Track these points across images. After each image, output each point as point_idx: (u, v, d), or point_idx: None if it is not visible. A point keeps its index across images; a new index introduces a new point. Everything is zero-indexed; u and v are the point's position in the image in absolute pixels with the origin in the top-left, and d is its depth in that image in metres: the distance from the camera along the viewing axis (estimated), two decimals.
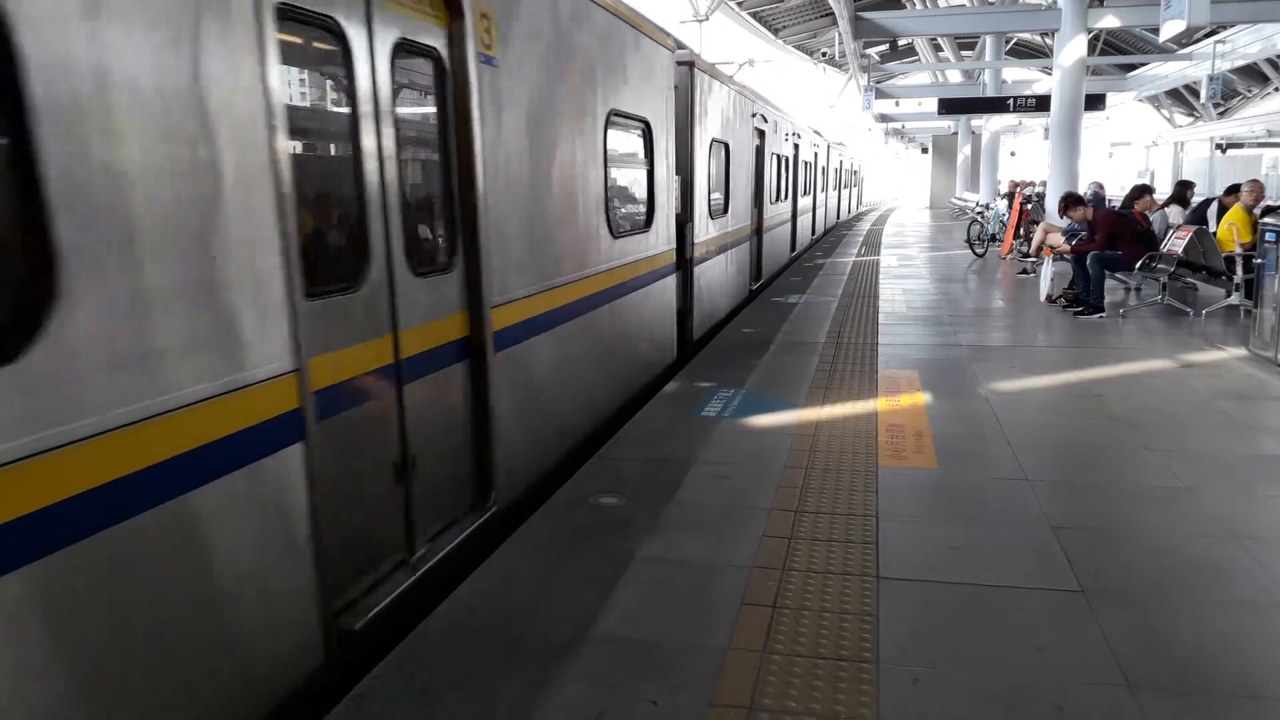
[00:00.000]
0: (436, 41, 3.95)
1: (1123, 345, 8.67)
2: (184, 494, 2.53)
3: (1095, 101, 23.69)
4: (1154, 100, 41.10)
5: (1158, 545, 3.99)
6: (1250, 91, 36.87)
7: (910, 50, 39.34)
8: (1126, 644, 3.12)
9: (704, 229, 9.39)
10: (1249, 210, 10.36)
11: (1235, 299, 9.94)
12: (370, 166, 3.46)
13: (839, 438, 5.57)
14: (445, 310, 4.08)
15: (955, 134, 43.98)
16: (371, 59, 3.46)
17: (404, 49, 3.70)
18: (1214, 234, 10.54)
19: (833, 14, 22.80)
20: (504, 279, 4.51)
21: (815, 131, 22.36)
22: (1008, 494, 4.62)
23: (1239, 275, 9.79)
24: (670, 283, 8.12)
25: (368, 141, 3.44)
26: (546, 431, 5.20)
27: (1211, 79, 22.75)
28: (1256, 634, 3.21)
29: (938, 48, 36.91)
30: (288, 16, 2.95)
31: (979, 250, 18.08)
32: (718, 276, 10.31)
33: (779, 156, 15.25)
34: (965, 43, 37.05)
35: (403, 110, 3.74)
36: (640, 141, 7.23)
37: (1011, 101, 26.03)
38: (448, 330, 4.10)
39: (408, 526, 3.79)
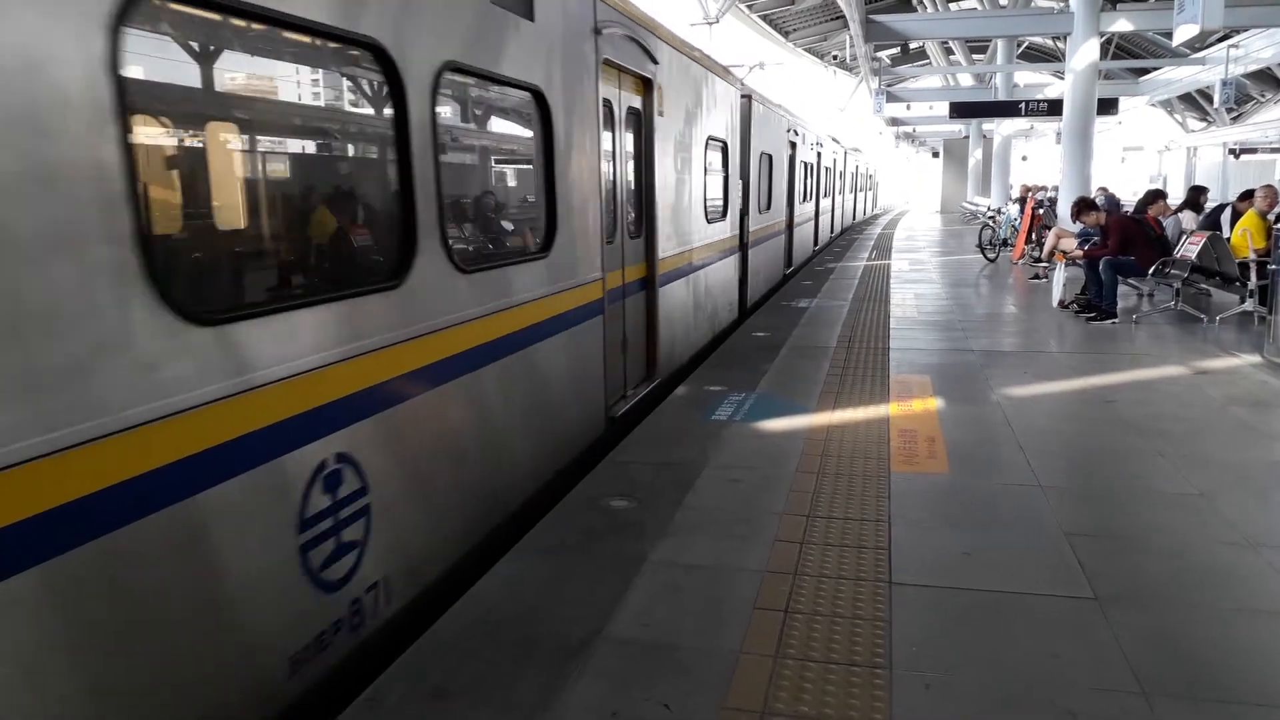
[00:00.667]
0: (639, 105, 6.88)
1: (1136, 351, 8.64)
2: (575, 326, 5.41)
3: (1107, 106, 23.61)
4: (1166, 105, 40.94)
5: (1173, 552, 3.97)
6: (1264, 96, 36.70)
7: (921, 53, 39.30)
8: (1141, 650, 3.10)
9: (754, 222, 12.05)
10: (1263, 216, 10.32)
11: (1249, 305, 9.90)
12: (618, 176, 6.43)
13: (851, 442, 5.56)
14: (638, 259, 7.00)
15: (966, 138, 43.89)
16: (620, 119, 6.41)
17: (629, 112, 6.62)
18: (1228, 239, 10.50)
19: (844, 17, 22.79)
20: (661, 244, 7.35)
21: (834, 140, 24.84)
22: (1020, 500, 4.61)
23: (1253, 281, 9.74)
24: (735, 259, 10.90)
25: (617, 163, 6.38)
26: (678, 342, 8.11)
27: (1225, 84, 22.66)
28: (1272, 641, 3.20)
29: (949, 51, 36.81)
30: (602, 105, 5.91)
31: (990, 255, 18.02)
32: (763, 259, 13.10)
33: (806, 164, 17.88)
34: (977, 46, 37.00)
35: (627, 146, 6.70)
36: (720, 156, 9.88)
37: (1023, 105, 25.97)
38: (639, 271, 7.02)
39: (625, 376, 6.66)
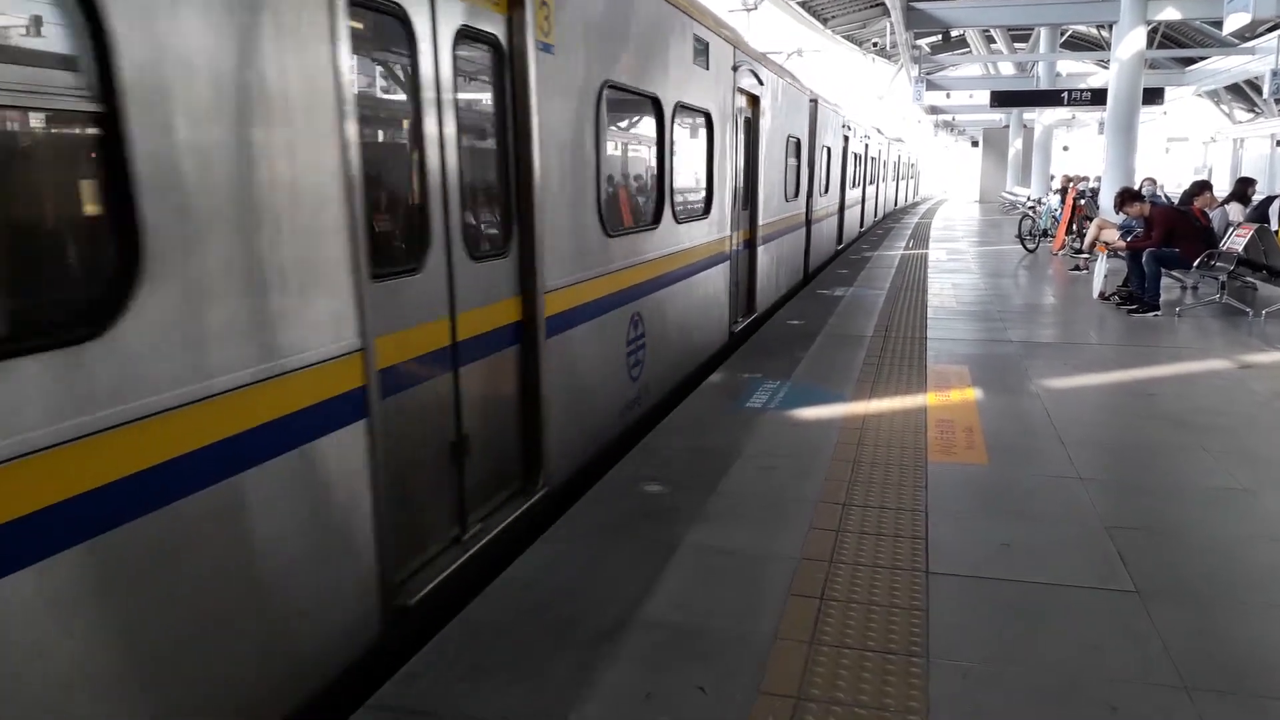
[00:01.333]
0: (750, 115, 9.25)
1: (1178, 345, 8.50)
2: (717, 265, 8.00)
3: (1153, 96, 23.11)
4: (1213, 95, 40.11)
5: (1215, 547, 3.91)
6: None
7: (962, 41, 38.77)
8: (1183, 645, 3.06)
9: (817, 203, 14.41)
10: None
11: None
12: (736, 165, 8.53)
13: (887, 432, 5.52)
14: (745, 226, 9.33)
15: (1007, 127, 43.28)
16: (740, 126, 8.59)
17: (745, 120, 8.95)
18: (1276, 232, 10.28)
19: (883, 4, 22.54)
20: (760, 215, 9.79)
21: (879, 131, 27.46)
22: (1060, 492, 4.55)
23: None
24: (803, 231, 13.50)
25: (736, 156, 8.52)
26: (766, 289, 10.56)
27: (1275, 74, 22.08)
28: None
29: (990, 39, 36.32)
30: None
31: (1030, 246, 17.79)
32: (823, 234, 15.77)
33: (855, 154, 20.35)
34: (1019, 35, 36.42)
35: (741, 145, 8.79)
36: (796, 150, 12.31)
37: (1066, 95, 25.51)
38: (745, 235, 9.34)
39: (735, 309, 8.94)
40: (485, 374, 3.97)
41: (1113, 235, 12.42)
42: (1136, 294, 10.34)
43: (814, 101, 13.63)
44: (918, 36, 28.04)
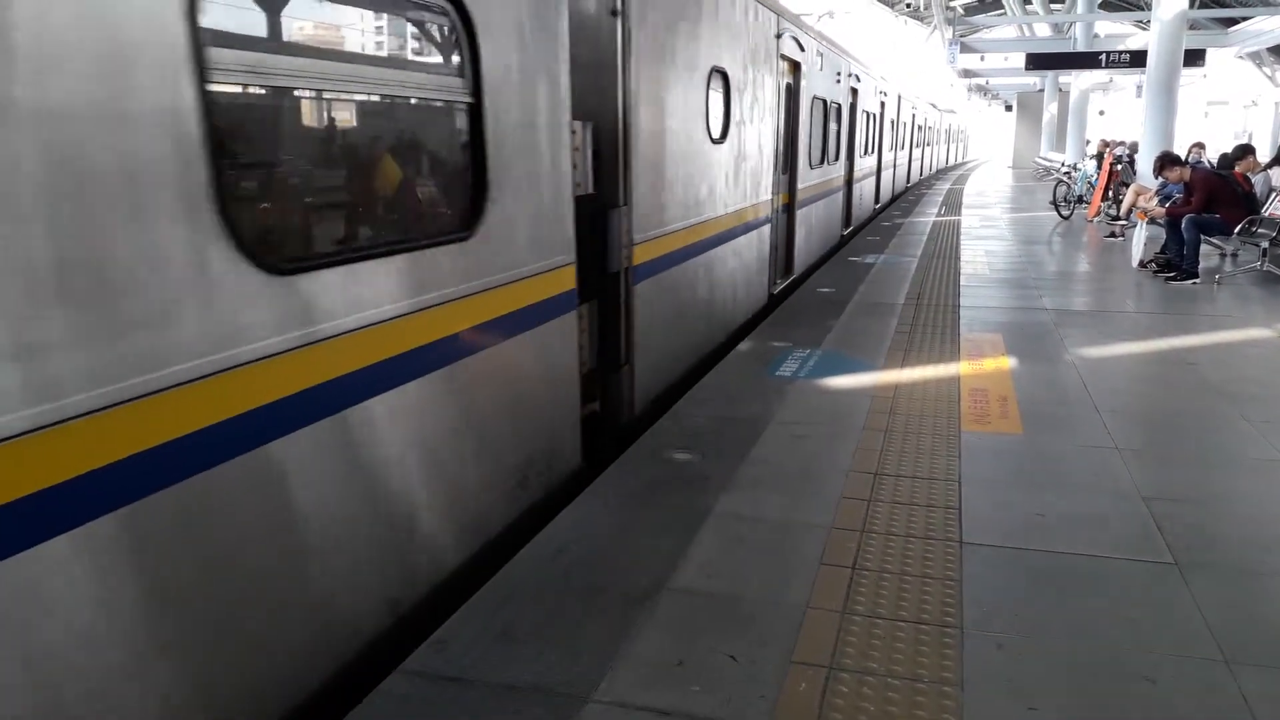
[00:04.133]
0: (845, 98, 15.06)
1: (1218, 313, 8.33)
2: (835, 194, 13.38)
3: (1194, 57, 22.55)
4: (1255, 57, 39.00)
5: (1256, 518, 3.84)
6: None
7: (997, 2, 37.96)
8: (1223, 618, 3.01)
9: (900, 155, 22.82)
10: None
11: None
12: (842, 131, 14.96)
13: (920, 401, 5.46)
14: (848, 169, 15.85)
15: (1041, 91, 42.43)
16: (881, 116, 18.45)
17: (879, 111, 17.99)
18: None
19: None
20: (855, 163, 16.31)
21: (934, 106, 36.07)
22: (1096, 462, 4.48)
23: None
24: (891, 173, 21.11)
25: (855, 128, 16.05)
26: (860, 210, 16.28)
27: None
28: None
29: (1026, 0, 35.53)
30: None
31: (1065, 212, 17.49)
32: (900, 174, 23.87)
33: (918, 126, 28.11)
34: None
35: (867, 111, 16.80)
36: (893, 122, 19.95)
37: (1104, 57, 24.95)
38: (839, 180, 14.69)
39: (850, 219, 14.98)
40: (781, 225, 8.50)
41: (1151, 202, 12.16)
42: (1175, 261, 10.13)
43: (898, 94, 20.69)
44: None
